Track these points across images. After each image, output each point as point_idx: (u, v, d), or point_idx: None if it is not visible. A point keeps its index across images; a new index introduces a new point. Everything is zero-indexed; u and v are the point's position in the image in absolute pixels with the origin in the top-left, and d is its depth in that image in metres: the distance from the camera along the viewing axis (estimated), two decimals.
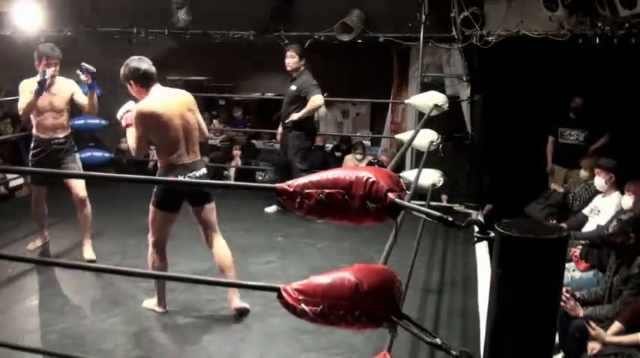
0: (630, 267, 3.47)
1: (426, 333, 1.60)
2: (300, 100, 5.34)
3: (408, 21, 5.78)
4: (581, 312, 3.51)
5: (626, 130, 5.97)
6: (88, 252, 4.34)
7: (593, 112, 6.10)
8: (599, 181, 4.68)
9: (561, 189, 5.77)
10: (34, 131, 4.31)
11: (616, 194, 4.60)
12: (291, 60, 5.40)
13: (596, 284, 3.92)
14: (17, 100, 4.12)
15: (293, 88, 5.41)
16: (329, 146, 8.16)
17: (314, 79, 5.43)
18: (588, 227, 4.68)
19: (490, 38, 5.50)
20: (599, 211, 4.65)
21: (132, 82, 3.30)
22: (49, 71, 4.05)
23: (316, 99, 5.25)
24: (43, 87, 4.04)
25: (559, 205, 5.59)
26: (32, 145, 4.32)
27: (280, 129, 5.68)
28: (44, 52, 4.13)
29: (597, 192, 4.86)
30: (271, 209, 5.68)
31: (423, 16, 5.59)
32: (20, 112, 4.17)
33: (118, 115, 3.42)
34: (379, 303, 1.58)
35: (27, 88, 4.09)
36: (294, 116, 5.34)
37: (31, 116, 4.24)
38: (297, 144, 5.44)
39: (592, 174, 4.97)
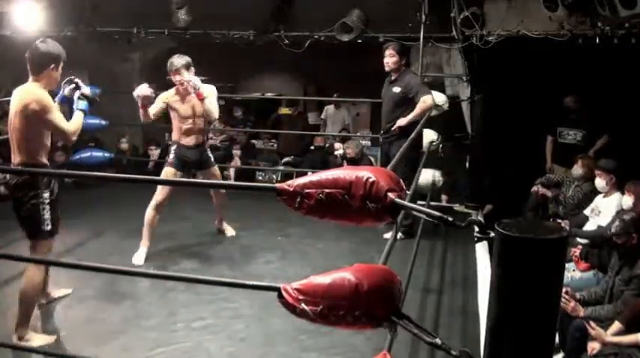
0: (633, 268, 3.47)
1: (426, 333, 1.60)
2: (407, 103, 4.78)
3: (408, 21, 5.77)
4: (581, 312, 3.51)
5: (626, 130, 5.97)
6: None
7: (589, 111, 6.10)
8: (600, 183, 4.67)
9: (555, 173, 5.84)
10: (40, 159, 3.20)
11: (617, 194, 4.59)
12: (391, 59, 4.82)
13: (596, 285, 3.93)
14: None
15: (396, 90, 4.84)
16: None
17: (419, 77, 5.06)
18: (588, 227, 4.67)
19: (490, 38, 5.50)
20: (599, 211, 4.65)
21: None
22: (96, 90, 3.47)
23: (427, 100, 4.70)
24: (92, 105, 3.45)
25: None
26: (42, 181, 3.18)
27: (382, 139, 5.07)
28: (61, 53, 3.27)
29: (592, 193, 4.86)
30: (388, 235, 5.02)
31: (423, 16, 5.58)
32: (74, 137, 3.28)
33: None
34: (379, 303, 1.58)
35: (52, 103, 3.20)
36: (402, 121, 4.73)
37: (17, 138, 3.18)
38: (404, 153, 4.32)
39: (588, 173, 4.97)
